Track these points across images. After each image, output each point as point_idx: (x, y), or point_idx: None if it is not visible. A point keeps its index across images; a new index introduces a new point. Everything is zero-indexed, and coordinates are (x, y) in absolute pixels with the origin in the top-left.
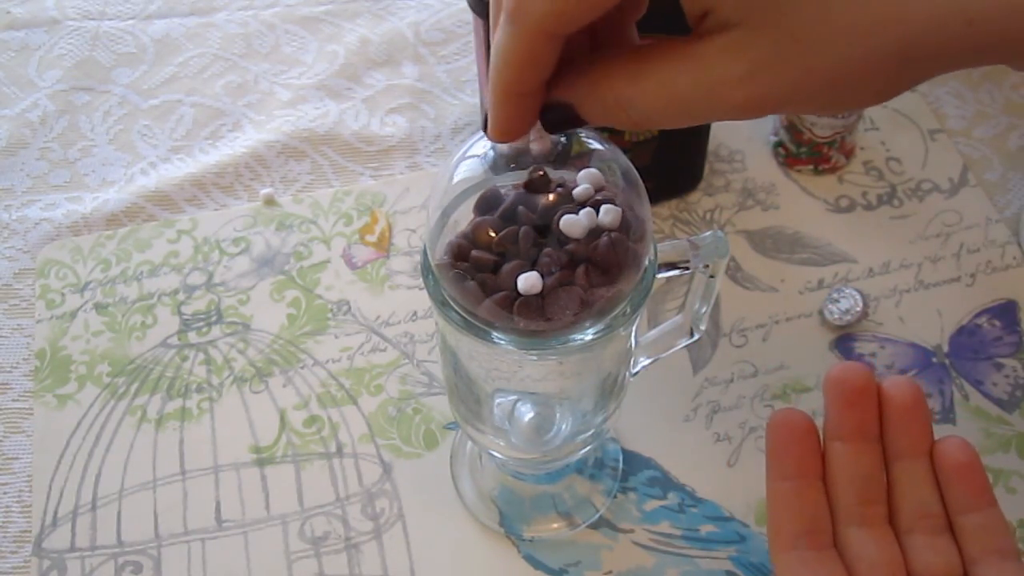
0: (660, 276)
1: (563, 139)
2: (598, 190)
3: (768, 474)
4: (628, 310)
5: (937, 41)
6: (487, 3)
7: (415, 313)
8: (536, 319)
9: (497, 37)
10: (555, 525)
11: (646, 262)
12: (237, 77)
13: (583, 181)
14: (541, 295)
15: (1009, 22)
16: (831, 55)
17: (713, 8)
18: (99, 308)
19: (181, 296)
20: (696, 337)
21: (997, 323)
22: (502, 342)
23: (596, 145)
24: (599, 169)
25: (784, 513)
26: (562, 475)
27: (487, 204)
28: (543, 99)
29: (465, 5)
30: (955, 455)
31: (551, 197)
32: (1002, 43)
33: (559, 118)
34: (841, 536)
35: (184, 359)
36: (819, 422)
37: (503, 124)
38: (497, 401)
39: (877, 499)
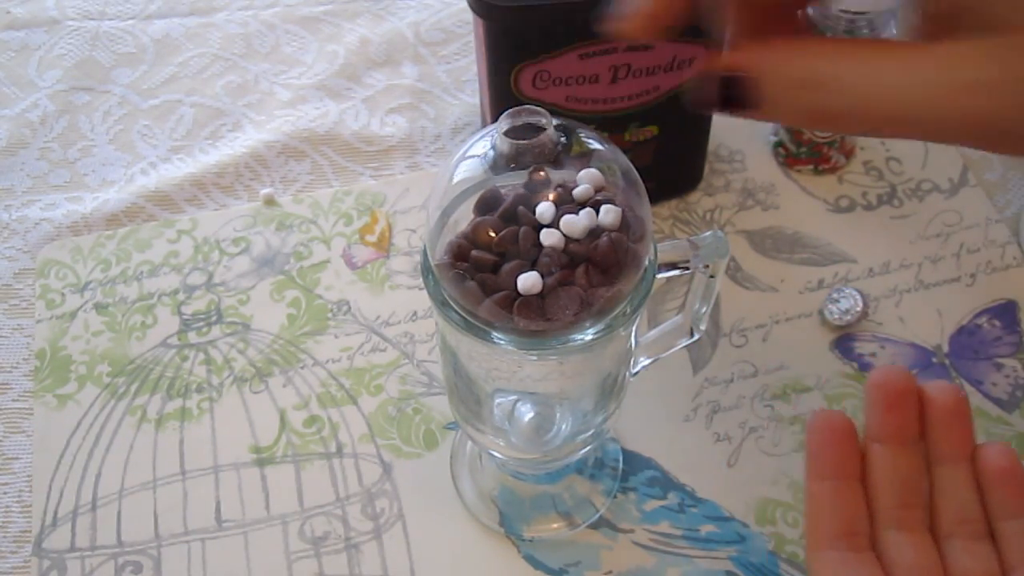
0: (660, 276)
1: (563, 138)
2: (598, 190)
3: (807, 474)
4: (628, 310)
5: None
6: (487, 3)
7: (415, 313)
8: (536, 319)
9: None
10: (555, 525)
11: (646, 262)
12: (237, 77)
13: (583, 181)
14: (541, 295)
15: None
16: None
17: (976, 6)
18: (99, 308)
19: (181, 296)
20: (696, 337)
21: (997, 323)
22: (502, 342)
23: (596, 145)
24: (599, 169)
25: (822, 513)
26: (562, 475)
27: (487, 204)
28: (683, 15)
29: (465, 5)
30: (997, 460)
31: (551, 197)
32: None
33: (731, 93)
34: (879, 539)
35: (184, 359)
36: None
37: (650, 9)
38: (497, 401)
39: (916, 503)
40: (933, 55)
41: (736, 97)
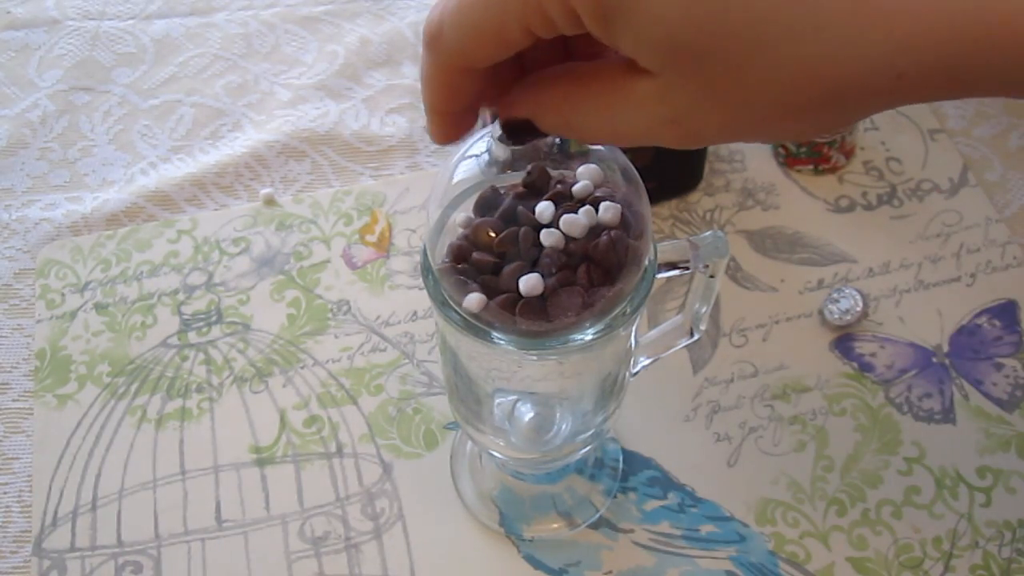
0: (660, 276)
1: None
2: (597, 187)
3: None
4: (628, 310)
5: (869, 91)
6: None
7: (415, 313)
8: (539, 320)
9: (421, 59)
10: (555, 525)
11: (646, 261)
12: (237, 77)
13: (582, 177)
14: (543, 296)
15: (940, 78)
16: (752, 104)
17: (635, 58)
18: (99, 308)
19: (181, 296)
20: (696, 337)
21: (997, 323)
22: (502, 342)
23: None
24: (598, 167)
25: None
26: (562, 475)
27: (486, 205)
28: (476, 111)
29: None
30: None
31: (550, 196)
32: (937, 92)
33: (520, 129)
34: None
35: (184, 359)
36: (818, 421)
37: (439, 133)
38: (497, 401)
39: None
40: (627, 96)
41: (526, 131)
